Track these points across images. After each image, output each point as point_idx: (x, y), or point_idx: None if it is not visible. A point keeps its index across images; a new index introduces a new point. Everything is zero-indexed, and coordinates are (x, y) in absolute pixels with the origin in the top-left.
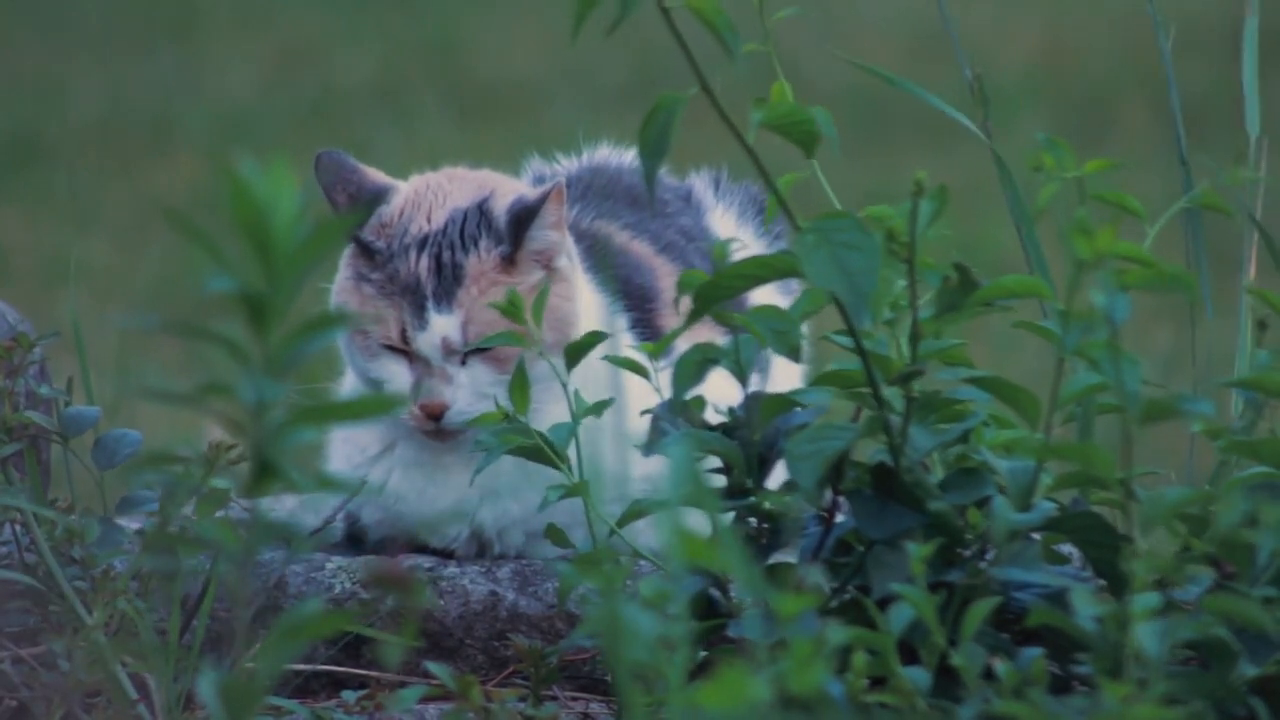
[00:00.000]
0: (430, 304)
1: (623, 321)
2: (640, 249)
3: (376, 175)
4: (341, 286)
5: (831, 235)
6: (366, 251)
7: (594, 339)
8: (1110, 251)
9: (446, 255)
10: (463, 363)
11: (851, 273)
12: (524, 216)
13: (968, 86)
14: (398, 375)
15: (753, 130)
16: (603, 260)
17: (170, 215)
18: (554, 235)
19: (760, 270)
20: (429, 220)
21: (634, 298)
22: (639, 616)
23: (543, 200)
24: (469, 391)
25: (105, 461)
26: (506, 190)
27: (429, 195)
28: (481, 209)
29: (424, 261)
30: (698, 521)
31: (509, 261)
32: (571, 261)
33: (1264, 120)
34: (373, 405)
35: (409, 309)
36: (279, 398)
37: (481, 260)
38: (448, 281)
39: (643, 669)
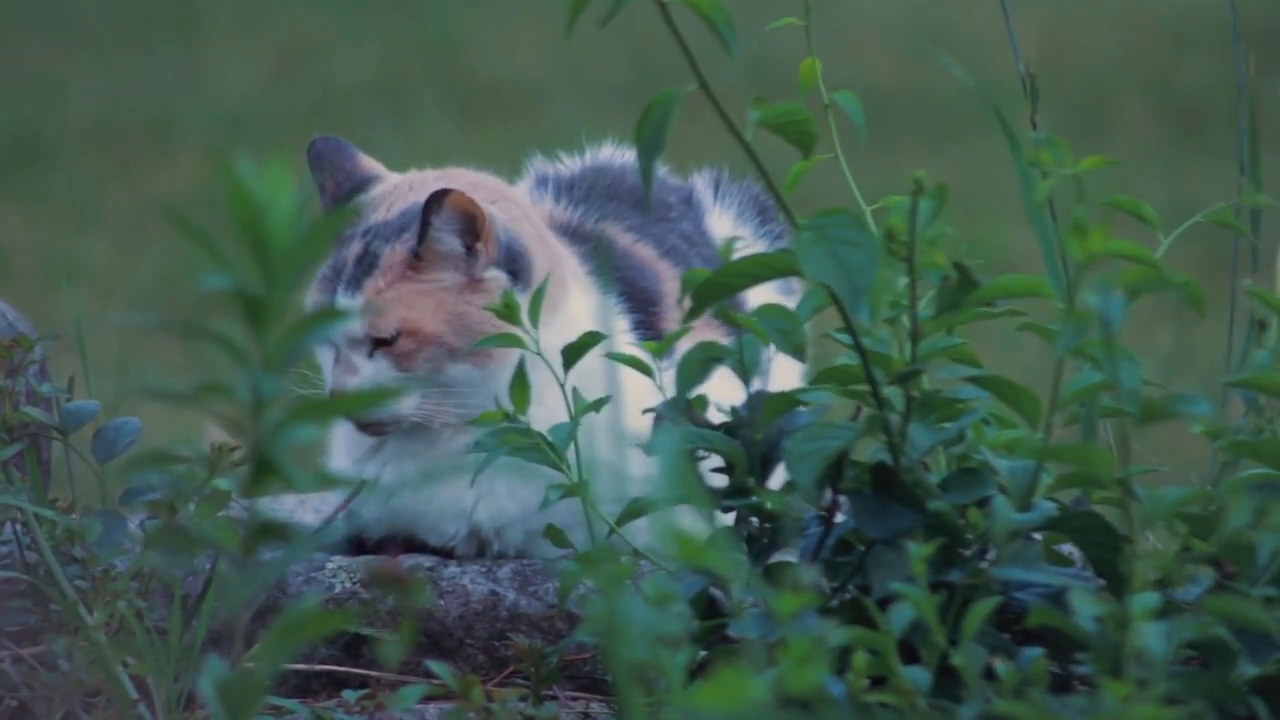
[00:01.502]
0: (341, 289)
1: (626, 323)
2: (644, 252)
3: (370, 165)
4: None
5: (829, 232)
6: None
7: (591, 340)
8: (1104, 252)
9: (374, 245)
10: (370, 355)
11: (849, 268)
12: (425, 211)
13: (1020, 82)
14: (326, 362)
15: (750, 129)
16: (606, 262)
17: (168, 213)
18: (454, 241)
19: (759, 268)
20: (387, 212)
21: (638, 300)
22: (638, 614)
23: (431, 199)
24: (370, 385)
25: (105, 453)
26: (486, 194)
27: (404, 190)
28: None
29: (356, 248)
30: (694, 520)
31: (416, 257)
32: (521, 282)
33: (1263, 120)
34: (368, 399)
35: (329, 293)
36: (277, 396)
37: (394, 252)
38: (362, 270)
39: (642, 667)
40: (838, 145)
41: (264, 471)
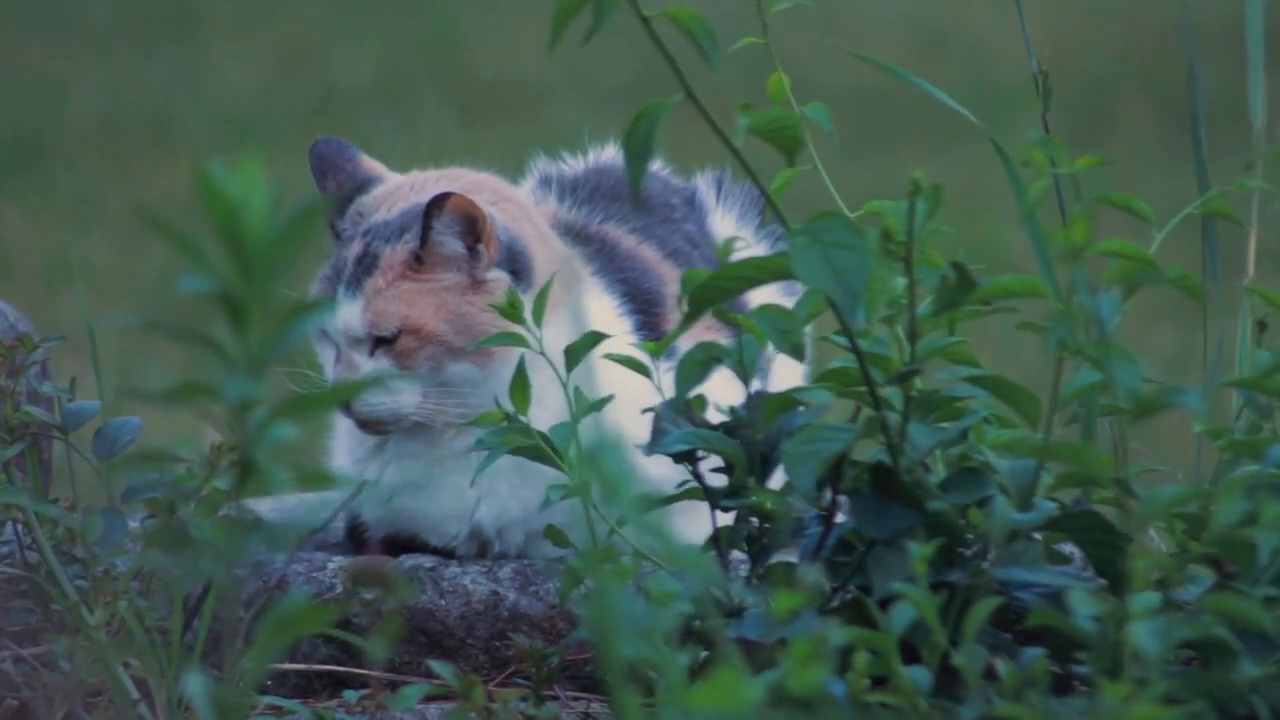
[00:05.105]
0: (342, 289)
1: (628, 324)
2: (648, 253)
3: (373, 166)
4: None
5: (822, 236)
6: (336, 236)
7: (594, 339)
8: (1087, 245)
9: (374, 245)
10: (371, 354)
11: (842, 272)
12: (427, 214)
13: (1033, 80)
14: (328, 361)
15: (740, 135)
16: (611, 264)
17: (148, 218)
18: (456, 243)
19: (755, 272)
20: (388, 212)
21: (641, 301)
22: (630, 612)
23: (433, 202)
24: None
25: (106, 451)
26: (488, 195)
27: (405, 190)
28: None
29: (356, 248)
30: (697, 520)
31: (418, 259)
32: (523, 282)
33: (1268, 118)
34: (354, 388)
35: (330, 293)
36: (260, 395)
37: (395, 252)
38: (363, 270)
39: (636, 666)
40: (815, 157)
41: (250, 471)
